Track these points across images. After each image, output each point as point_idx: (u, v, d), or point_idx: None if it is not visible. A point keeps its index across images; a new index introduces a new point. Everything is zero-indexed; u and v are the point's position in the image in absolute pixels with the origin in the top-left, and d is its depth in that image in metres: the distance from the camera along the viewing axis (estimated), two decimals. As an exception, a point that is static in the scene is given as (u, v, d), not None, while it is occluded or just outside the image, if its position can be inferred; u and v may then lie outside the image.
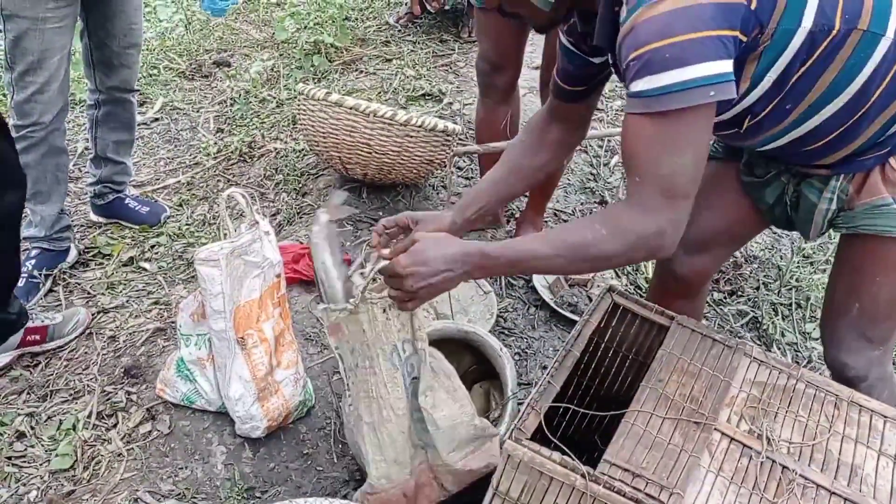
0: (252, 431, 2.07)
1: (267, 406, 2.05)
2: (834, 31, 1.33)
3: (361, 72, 4.12)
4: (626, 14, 1.26)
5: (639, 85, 1.25)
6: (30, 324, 2.41)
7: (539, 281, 2.74)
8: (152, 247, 2.97)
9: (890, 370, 1.76)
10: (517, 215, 3.01)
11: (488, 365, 2.09)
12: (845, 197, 1.60)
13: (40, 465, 2.07)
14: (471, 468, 1.76)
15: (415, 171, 2.92)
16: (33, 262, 2.69)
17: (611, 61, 1.51)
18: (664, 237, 1.32)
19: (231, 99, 4.00)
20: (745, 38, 1.27)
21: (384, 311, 1.59)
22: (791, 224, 1.76)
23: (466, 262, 1.41)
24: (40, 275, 2.68)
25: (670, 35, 1.20)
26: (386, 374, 1.63)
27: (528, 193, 2.90)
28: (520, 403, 2.17)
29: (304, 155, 3.44)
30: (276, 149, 3.52)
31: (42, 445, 2.13)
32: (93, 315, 2.57)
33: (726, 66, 1.24)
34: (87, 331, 2.52)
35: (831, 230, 1.71)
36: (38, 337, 2.44)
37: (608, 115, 3.85)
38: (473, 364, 2.17)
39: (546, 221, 3.04)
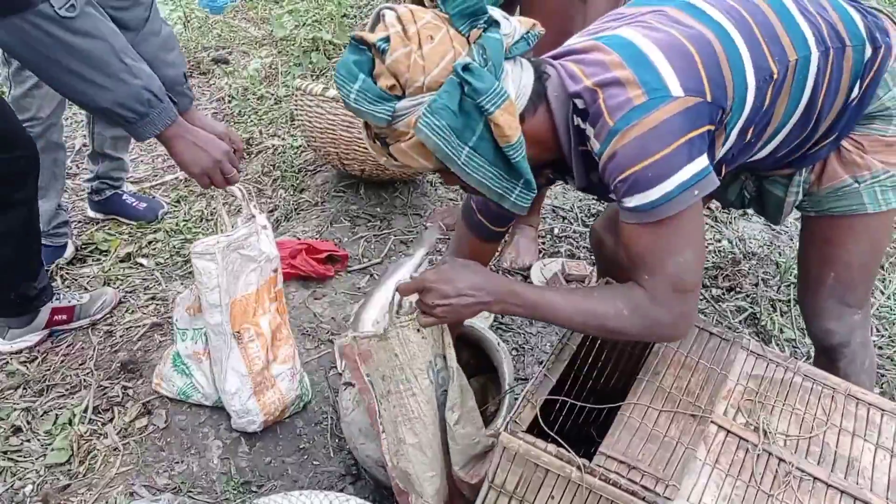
0: (248, 426, 2.06)
1: (263, 400, 2.05)
2: (775, 75, 1.41)
3: (360, 69, 4.11)
4: (599, 146, 1.33)
5: (630, 202, 1.33)
6: (56, 303, 2.43)
7: (536, 276, 2.73)
8: (150, 243, 2.97)
9: (869, 336, 1.82)
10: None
11: (485, 359, 2.08)
12: (807, 185, 1.66)
13: (36, 459, 2.07)
14: (479, 476, 1.77)
15: (413, 166, 2.91)
16: (31, 257, 2.68)
17: (580, 186, 1.55)
18: (677, 328, 1.44)
19: (229, 96, 4.00)
20: (713, 127, 1.36)
21: (418, 330, 1.59)
22: (747, 208, 1.85)
23: (490, 293, 1.45)
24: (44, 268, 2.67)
25: (648, 156, 1.28)
26: (426, 392, 1.63)
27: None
28: (516, 398, 2.17)
29: (302, 151, 3.44)
30: (273, 145, 3.52)
31: (38, 440, 2.12)
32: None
33: (703, 161, 1.32)
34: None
35: (795, 210, 1.76)
36: (64, 317, 2.46)
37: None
38: (470, 358, 2.17)
39: (544, 217, 3.04)
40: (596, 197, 1.65)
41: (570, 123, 1.39)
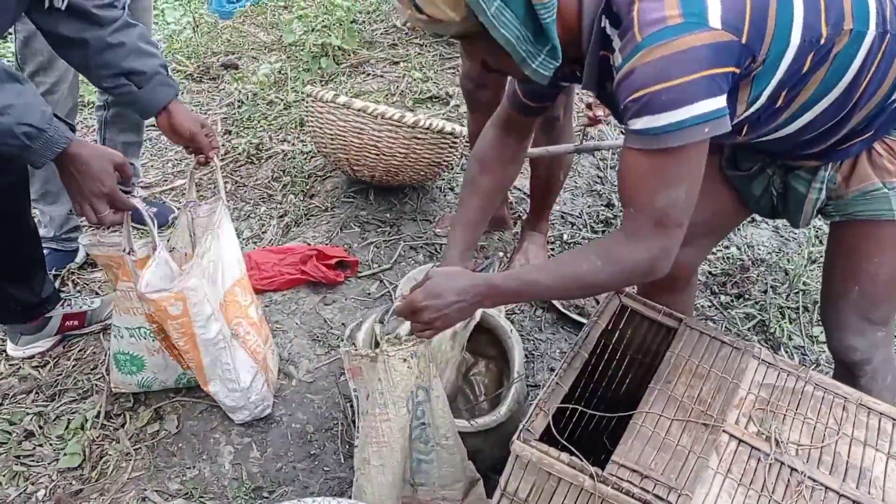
0: (264, 411, 2.16)
1: (268, 382, 2.17)
2: (822, 39, 1.37)
3: (369, 74, 4.13)
4: (621, 60, 1.30)
5: (637, 124, 1.30)
6: (68, 309, 2.46)
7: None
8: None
9: (893, 353, 1.78)
10: (523, 217, 3.01)
11: (501, 348, 2.11)
12: (833, 186, 1.63)
13: (49, 464, 2.08)
14: None
15: (422, 172, 2.93)
16: (43, 262, 2.70)
17: (595, 94, 1.55)
18: (655, 264, 1.40)
19: (238, 101, 4.01)
20: (738, 71, 1.31)
21: (405, 360, 1.63)
22: (776, 213, 1.80)
23: (476, 294, 1.51)
24: (49, 275, 2.69)
25: (667, 79, 1.25)
26: (401, 419, 1.67)
27: (530, 198, 2.90)
28: (532, 387, 2.17)
29: (312, 157, 3.45)
30: (283, 151, 3.53)
31: (50, 444, 2.13)
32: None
33: (720, 101, 1.29)
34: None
35: (821, 217, 1.73)
36: (76, 322, 2.48)
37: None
38: (488, 345, 2.20)
39: (553, 224, 3.05)
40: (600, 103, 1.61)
41: (597, 23, 1.36)
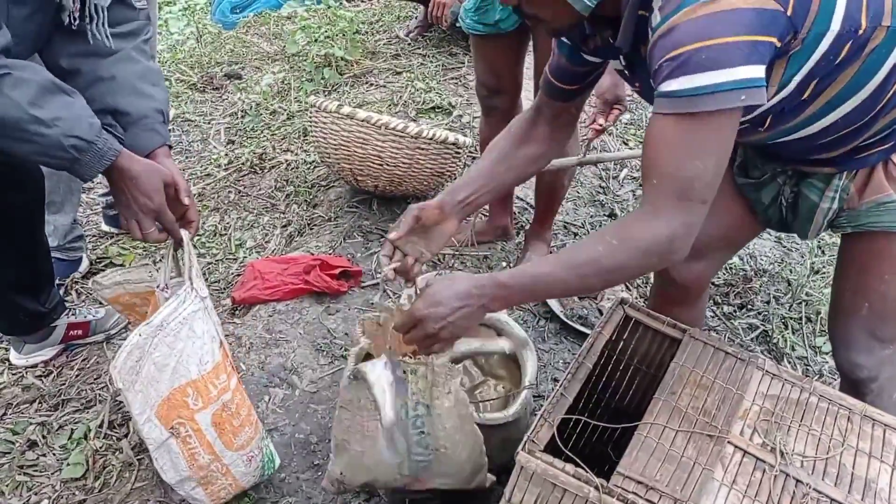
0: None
1: (212, 489, 1.87)
2: (860, 31, 1.33)
3: (371, 84, 4.15)
4: (660, 18, 1.26)
5: (671, 85, 1.25)
6: (72, 318, 2.47)
7: (549, 293, 2.74)
8: (164, 258, 2.98)
9: None
10: (526, 227, 3.01)
11: (512, 369, 2.10)
12: (846, 196, 1.61)
13: (52, 473, 2.08)
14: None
15: (425, 183, 2.93)
16: (46, 271, 2.70)
17: (622, 64, 1.52)
18: (676, 241, 1.32)
19: (242, 111, 4.03)
20: (779, 44, 1.27)
21: (404, 372, 1.61)
22: (785, 225, 1.77)
23: (481, 295, 1.42)
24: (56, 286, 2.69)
25: (709, 37, 1.20)
26: (387, 419, 1.64)
27: (534, 207, 2.91)
28: (536, 397, 2.17)
29: (315, 167, 3.46)
30: (286, 160, 3.54)
31: (54, 454, 2.13)
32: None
33: (759, 71, 1.24)
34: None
35: (830, 230, 1.71)
36: (80, 332, 2.49)
37: (617, 129, 3.86)
38: (498, 365, 2.19)
39: (555, 234, 3.05)
40: (629, 84, 1.57)
41: None
